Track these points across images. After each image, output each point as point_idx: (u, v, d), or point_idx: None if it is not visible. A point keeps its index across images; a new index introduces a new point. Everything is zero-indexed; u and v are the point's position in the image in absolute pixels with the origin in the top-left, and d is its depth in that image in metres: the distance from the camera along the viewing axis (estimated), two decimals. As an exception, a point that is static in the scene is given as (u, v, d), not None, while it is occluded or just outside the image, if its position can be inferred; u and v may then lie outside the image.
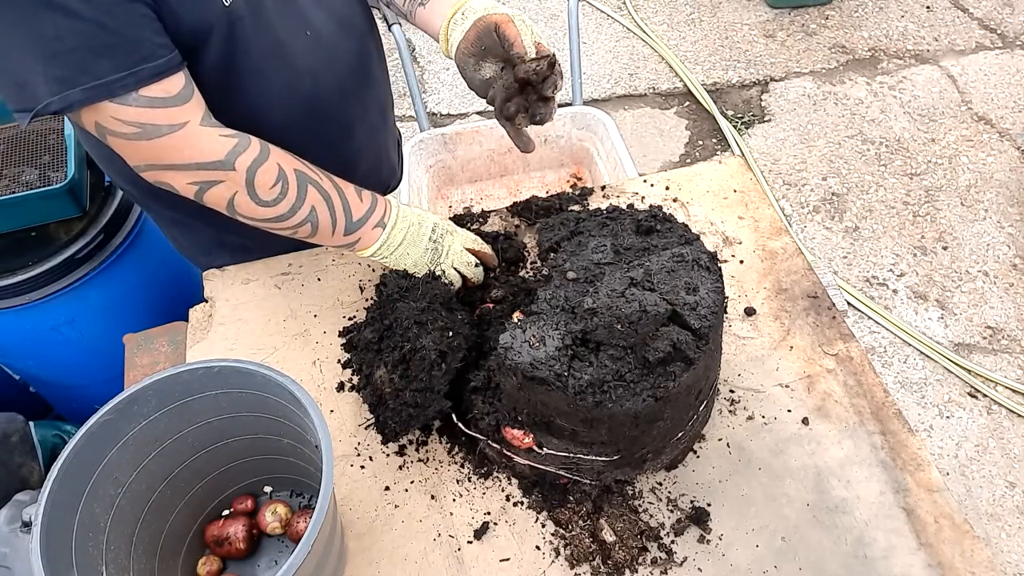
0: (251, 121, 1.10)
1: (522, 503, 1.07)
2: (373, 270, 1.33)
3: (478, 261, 1.23)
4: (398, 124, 3.37)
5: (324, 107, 1.20)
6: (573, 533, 1.04)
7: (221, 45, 1.03)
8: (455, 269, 1.20)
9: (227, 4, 1.01)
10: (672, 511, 1.06)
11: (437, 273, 1.18)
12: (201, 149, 0.99)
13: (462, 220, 1.37)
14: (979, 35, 3.57)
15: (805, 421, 1.13)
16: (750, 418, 1.14)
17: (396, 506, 1.07)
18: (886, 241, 2.83)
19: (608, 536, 1.03)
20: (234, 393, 0.96)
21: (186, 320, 1.28)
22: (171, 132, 0.97)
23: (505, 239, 1.31)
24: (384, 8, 1.68)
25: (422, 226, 1.18)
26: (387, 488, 1.09)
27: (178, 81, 0.98)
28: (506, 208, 1.40)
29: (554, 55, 1.08)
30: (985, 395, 2.42)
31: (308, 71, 1.16)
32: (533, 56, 1.08)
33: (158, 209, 1.33)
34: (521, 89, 1.10)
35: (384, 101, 1.42)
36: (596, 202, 1.41)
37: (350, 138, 1.31)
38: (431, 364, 1.04)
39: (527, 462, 1.05)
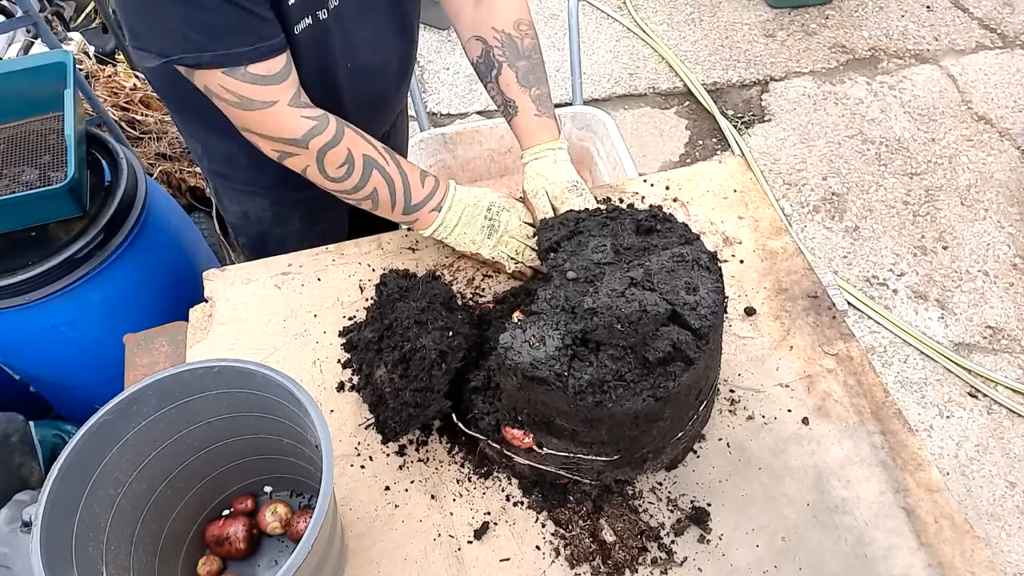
0: None
1: (522, 503, 1.07)
2: (373, 270, 1.33)
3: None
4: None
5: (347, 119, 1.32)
6: (573, 533, 1.04)
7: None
8: (518, 250, 1.24)
9: (296, 32, 1.13)
10: (672, 511, 1.06)
11: (499, 256, 1.24)
12: (282, 126, 1.12)
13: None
14: (979, 35, 3.57)
15: (805, 421, 1.13)
16: (750, 418, 1.14)
17: (396, 506, 1.07)
18: (886, 241, 2.83)
19: (608, 536, 1.03)
20: (234, 393, 0.96)
21: (186, 320, 1.28)
22: (263, 108, 1.10)
23: None
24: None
25: (478, 206, 1.24)
26: (387, 488, 1.09)
27: (279, 62, 1.09)
28: None
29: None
30: (985, 395, 2.42)
31: (339, 96, 1.29)
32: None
33: (224, 186, 1.49)
34: None
35: (398, 124, 1.60)
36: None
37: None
38: (431, 364, 1.04)
39: (527, 462, 1.05)
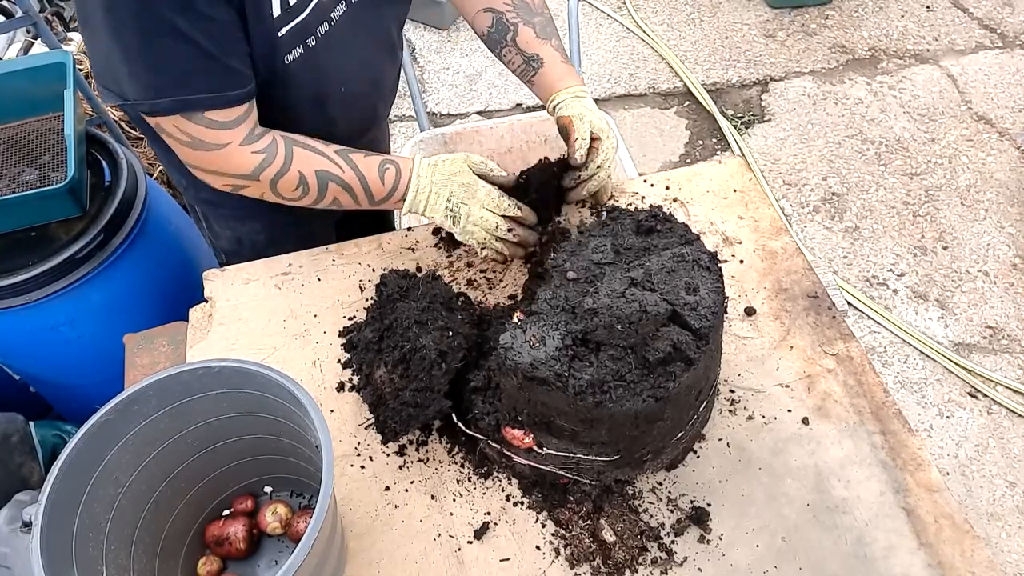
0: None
1: (522, 503, 1.07)
2: (373, 270, 1.33)
3: (508, 225, 1.23)
4: (399, 124, 3.37)
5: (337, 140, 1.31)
6: (573, 533, 1.04)
7: (267, 90, 1.15)
8: (482, 240, 1.24)
9: (287, 62, 1.13)
10: (672, 511, 1.06)
11: (468, 241, 1.25)
12: (233, 164, 1.13)
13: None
14: (979, 35, 3.57)
15: (805, 421, 1.13)
16: (750, 418, 1.14)
17: (396, 506, 1.07)
18: (886, 241, 2.83)
19: (608, 536, 1.03)
20: (234, 393, 0.96)
21: (186, 320, 1.28)
22: (215, 150, 1.11)
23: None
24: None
25: (440, 195, 1.23)
26: (387, 488, 1.09)
27: (241, 109, 1.09)
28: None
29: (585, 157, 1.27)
30: (985, 395, 2.42)
31: (333, 118, 1.30)
32: (581, 154, 1.26)
33: (215, 213, 1.49)
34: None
35: (383, 132, 1.62)
36: (596, 202, 1.41)
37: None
38: (431, 364, 1.04)
39: (527, 462, 1.05)
